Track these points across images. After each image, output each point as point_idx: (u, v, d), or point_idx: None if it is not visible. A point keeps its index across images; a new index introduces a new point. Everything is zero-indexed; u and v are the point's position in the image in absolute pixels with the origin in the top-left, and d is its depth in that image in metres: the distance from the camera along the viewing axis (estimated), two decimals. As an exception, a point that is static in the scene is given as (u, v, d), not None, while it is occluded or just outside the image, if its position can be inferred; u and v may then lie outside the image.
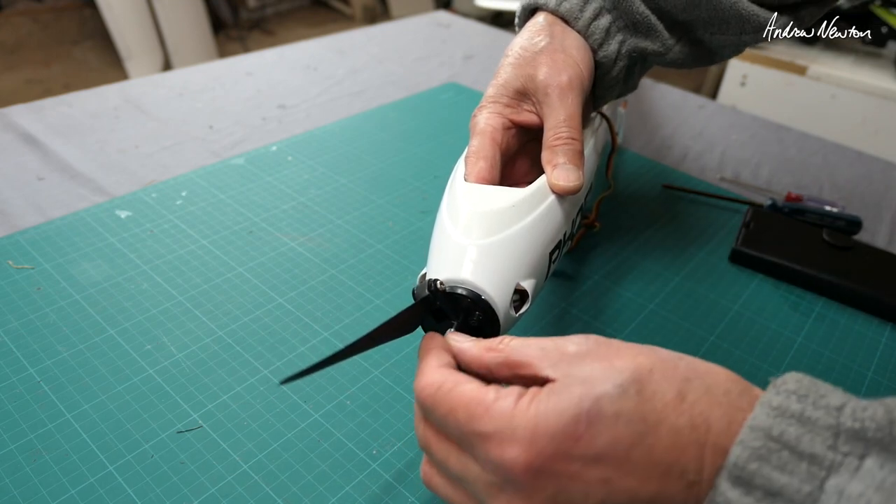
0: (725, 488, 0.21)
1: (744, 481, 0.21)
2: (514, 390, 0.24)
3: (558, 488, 0.22)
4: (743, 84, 1.58)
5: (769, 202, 0.60)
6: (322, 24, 3.12)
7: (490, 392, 0.24)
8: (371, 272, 0.50)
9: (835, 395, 0.21)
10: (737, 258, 0.54)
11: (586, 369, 0.23)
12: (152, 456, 0.35)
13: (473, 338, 0.28)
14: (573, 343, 0.25)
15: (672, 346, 0.45)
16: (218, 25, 2.80)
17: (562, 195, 0.36)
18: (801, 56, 1.52)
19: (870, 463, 0.20)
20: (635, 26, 0.42)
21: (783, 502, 0.20)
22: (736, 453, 0.21)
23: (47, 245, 0.49)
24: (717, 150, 0.73)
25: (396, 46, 0.94)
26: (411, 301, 0.33)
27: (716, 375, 0.23)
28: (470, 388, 0.25)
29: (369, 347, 0.29)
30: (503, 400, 0.24)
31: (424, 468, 0.28)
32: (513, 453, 0.22)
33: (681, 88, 0.88)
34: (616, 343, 0.25)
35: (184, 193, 0.57)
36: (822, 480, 0.20)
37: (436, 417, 0.25)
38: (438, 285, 0.30)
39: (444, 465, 0.26)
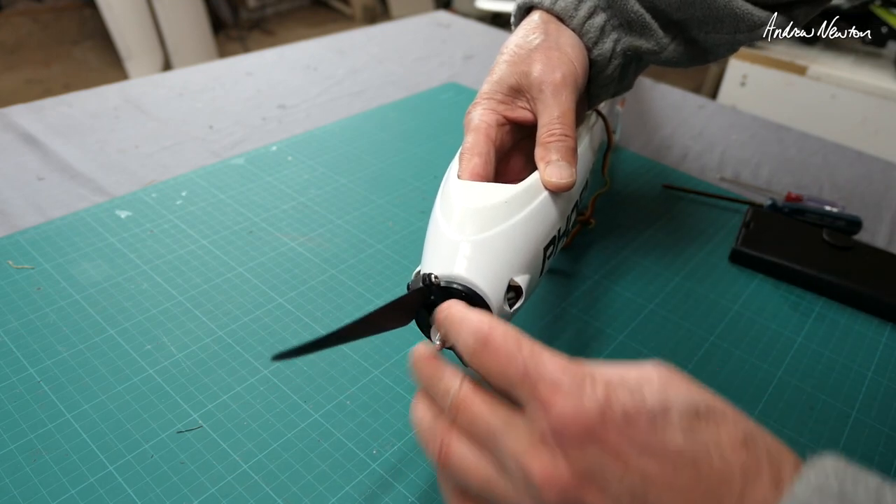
0: None
1: None
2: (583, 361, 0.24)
3: (602, 460, 0.22)
4: (743, 84, 1.58)
5: (769, 202, 0.60)
6: (322, 24, 3.12)
7: (561, 356, 0.24)
8: (371, 272, 0.50)
9: (872, 477, 0.21)
10: (737, 258, 0.54)
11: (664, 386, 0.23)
12: (152, 456, 0.35)
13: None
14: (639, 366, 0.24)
15: (672, 346, 0.45)
16: (218, 25, 2.80)
17: (554, 192, 0.36)
18: (801, 56, 1.52)
19: None
20: (630, 25, 0.42)
21: None
22: None
23: (47, 245, 0.49)
24: (717, 150, 0.73)
25: (396, 46, 0.94)
26: None
27: (774, 440, 0.23)
28: (538, 346, 0.24)
29: (362, 336, 0.29)
30: (577, 363, 0.23)
31: (441, 437, 0.26)
32: (580, 408, 0.22)
33: (681, 88, 0.88)
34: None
35: (184, 193, 0.57)
36: None
37: (491, 363, 0.25)
38: (433, 279, 0.30)
39: (481, 419, 0.25)
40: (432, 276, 0.30)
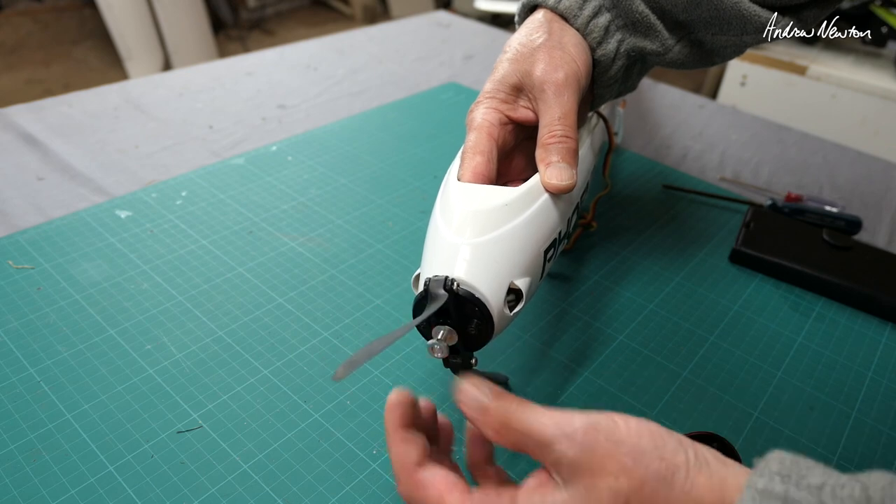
0: None
1: None
2: None
3: None
4: (743, 84, 1.58)
5: (769, 202, 0.60)
6: (322, 24, 3.12)
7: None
8: (371, 272, 0.50)
9: (815, 474, 0.22)
10: (737, 258, 0.54)
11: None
12: (152, 456, 0.35)
13: (486, 405, 0.27)
14: (570, 446, 0.24)
15: (672, 346, 0.45)
16: (218, 25, 2.80)
17: (555, 194, 0.36)
18: (801, 56, 1.52)
19: None
20: (634, 25, 0.42)
21: None
22: None
23: (47, 245, 0.49)
24: (717, 150, 0.73)
25: (396, 46, 0.94)
26: (411, 300, 0.33)
27: (695, 494, 0.23)
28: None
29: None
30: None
31: None
32: None
33: (681, 88, 0.88)
34: (607, 445, 0.24)
35: (184, 193, 0.57)
36: None
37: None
38: (455, 286, 0.30)
39: None
40: (454, 283, 0.30)
